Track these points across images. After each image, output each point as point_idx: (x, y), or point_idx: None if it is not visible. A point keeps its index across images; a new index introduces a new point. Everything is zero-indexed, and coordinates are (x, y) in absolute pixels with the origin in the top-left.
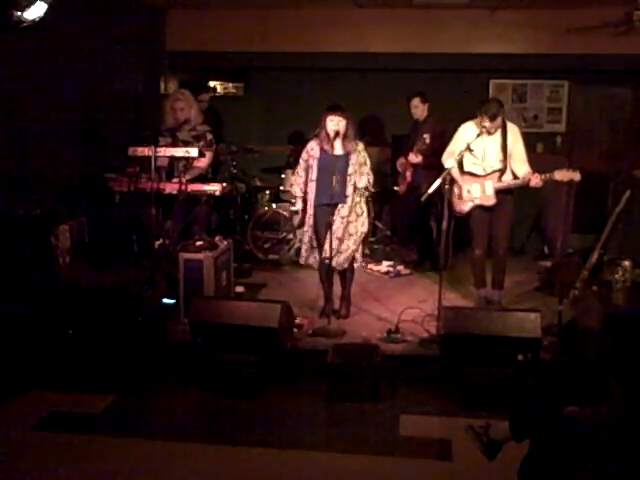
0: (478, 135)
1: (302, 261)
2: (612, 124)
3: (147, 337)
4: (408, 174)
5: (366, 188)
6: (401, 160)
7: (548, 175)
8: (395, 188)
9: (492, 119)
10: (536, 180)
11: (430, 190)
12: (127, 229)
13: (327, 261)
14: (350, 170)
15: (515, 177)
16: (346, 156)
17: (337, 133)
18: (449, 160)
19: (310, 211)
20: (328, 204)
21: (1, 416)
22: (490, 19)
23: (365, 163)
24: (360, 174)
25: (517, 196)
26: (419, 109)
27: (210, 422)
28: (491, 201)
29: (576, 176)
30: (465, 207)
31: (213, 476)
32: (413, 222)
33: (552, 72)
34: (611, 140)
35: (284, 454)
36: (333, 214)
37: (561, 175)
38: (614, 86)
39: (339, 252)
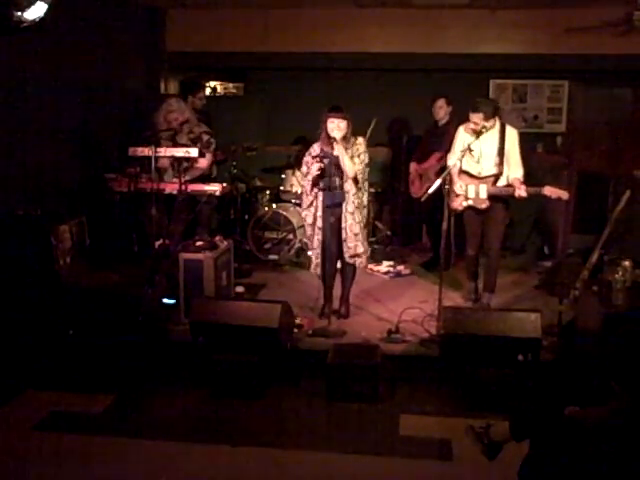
0: (478, 135)
1: (314, 270)
2: (612, 124)
3: (147, 337)
4: (433, 178)
5: (355, 180)
6: (414, 165)
7: (538, 190)
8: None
9: (474, 110)
10: (520, 193)
11: (431, 190)
12: (127, 229)
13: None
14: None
15: (508, 184)
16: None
17: (337, 134)
18: (451, 159)
19: (319, 213)
20: (333, 204)
21: (1, 416)
22: (490, 19)
23: (358, 155)
24: (352, 165)
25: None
26: (443, 110)
27: (210, 422)
28: (484, 204)
29: (564, 195)
30: (460, 206)
31: (213, 476)
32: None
33: (552, 72)
34: (611, 140)
35: (284, 454)
36: (338, 214)
37: (550, 191)
38: (614, 86)
39: (348, 248)
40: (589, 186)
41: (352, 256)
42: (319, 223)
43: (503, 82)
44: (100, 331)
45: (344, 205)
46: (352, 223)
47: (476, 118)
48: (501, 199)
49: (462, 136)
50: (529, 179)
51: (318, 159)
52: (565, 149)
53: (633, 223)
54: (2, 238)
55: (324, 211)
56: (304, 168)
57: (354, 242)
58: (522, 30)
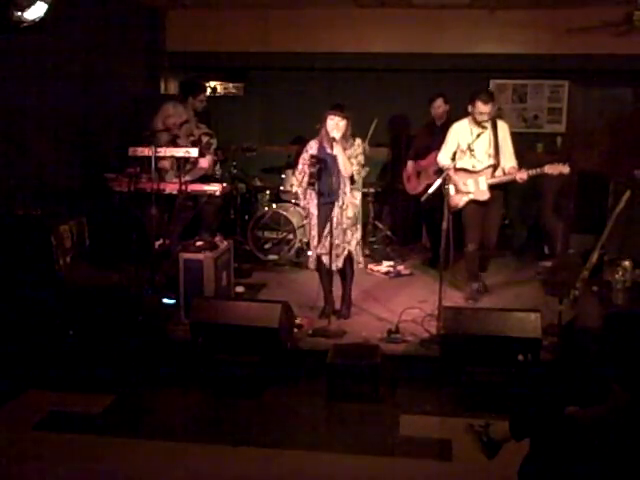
0: (478, 135)
1: (311, 266)
2: (612, 124)
3: (147, 337)
4: (433, 176)
5: (351, 178)
6: (411, 162)
7: (539, 170)
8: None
9: (488, 101)
10: (521, 175)
11: (431, 190)
12: (127, 229)
13: (324, 259)
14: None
15: (505, 173)
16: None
17: (336, 133)
18: (446, 159)
19: (313, 210)
20: (328, 202)
21: (1, 416)
22: (490, 19)
23: (355, 157)
24: (350, 165)
25: (517, 196)
26: (442, 109)
27: (210, 422)
28: (485, 196)
29: (565, 169)
30: (460, 202)
31: (213, 476)
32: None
33: (552, 72)
34: (611, 140)
35: (284, 454)
36: (332, 212)
37: (551, 169)
38: (614, 86)
39: (337, 251)
40: (589, 186)
41: (338, 256)
42: (313, 220)
43: (503, 82)
44: (100, 331)
45: (336, 205)
46: (339, 220)
47: (489, 108)
48: (499, 188)
49: (460, 131)
50: (528, 179)
51: (315, 160)
52: (565, 149)
53: (633, 223)
54: (2, 238)
55: (319, 208)
56: (300, 166)
57: (343, 242)
58: (522, 30)
